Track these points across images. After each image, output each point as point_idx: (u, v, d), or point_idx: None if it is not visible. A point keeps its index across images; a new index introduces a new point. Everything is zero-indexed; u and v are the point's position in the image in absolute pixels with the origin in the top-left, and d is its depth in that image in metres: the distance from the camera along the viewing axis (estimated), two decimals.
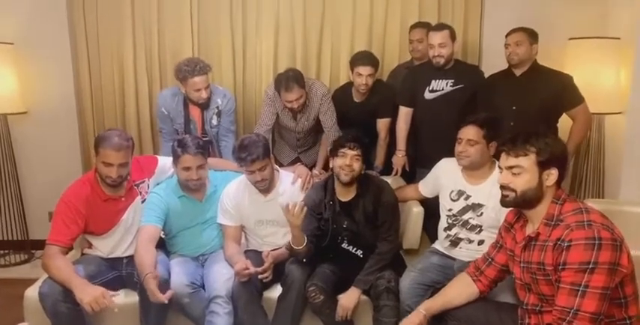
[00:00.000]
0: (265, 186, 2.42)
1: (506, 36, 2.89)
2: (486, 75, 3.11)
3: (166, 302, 2.09)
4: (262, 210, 2.49)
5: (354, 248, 2.41)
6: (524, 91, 2.84)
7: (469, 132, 2.30)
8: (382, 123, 3.21)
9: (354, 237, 2.40)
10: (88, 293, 2.01)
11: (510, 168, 1.71)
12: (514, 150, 1.70)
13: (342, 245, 2.42)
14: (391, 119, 3.19)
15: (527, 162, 1.68)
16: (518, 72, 2.90)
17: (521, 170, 1.68)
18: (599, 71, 3.11)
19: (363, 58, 3.07)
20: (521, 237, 1.77)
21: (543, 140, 1.68)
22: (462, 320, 1.90)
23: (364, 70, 3.02)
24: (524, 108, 2.83)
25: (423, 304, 1.98)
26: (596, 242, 1.53)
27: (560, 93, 2.84)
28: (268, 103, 3.13)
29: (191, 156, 2.35)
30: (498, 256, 1.92)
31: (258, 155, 2.31)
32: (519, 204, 1.74)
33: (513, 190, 1.70)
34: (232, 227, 2.50)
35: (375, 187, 2.39)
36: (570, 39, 3.23)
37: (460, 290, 1.97)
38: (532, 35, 2.84)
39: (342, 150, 2.33)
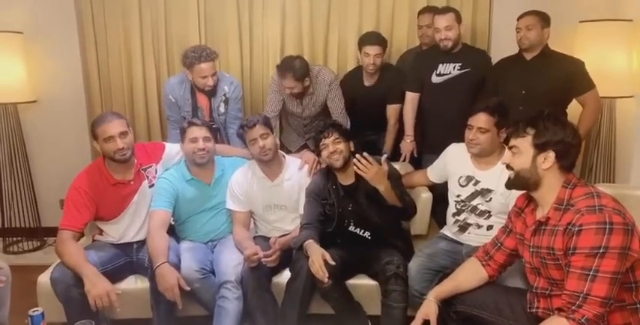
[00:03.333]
0: (269, 156, 2.43)
1: (518, 19, 2.84)
2: (496, 60, 3.07)
3: (180, 306, 2.14)
4: (270, 195, 2.51)
5: (362, 231, 2.42)
6: (534, 76, 2.81)
7: (480, 120, 2.28)
8: (392, 109, 3.19)
9: (360, 219, 2.41)
10: (96, 287, 2.05)
11: (511, 147, 1.75)
12: (515, 131, 1.74)
13: (350, 229, 2.43)
14: (401, 105, 3.17)
15: (524, 143, 1.70)
16: (528, 56, 2.87)
17: (518, 150, 1.72)
18: (611, 54, 3.04)
19: (371, 38, 3.07)
20: (532, 221, 1.76)
21: (545, 123, 1.67)
22: (471, 305, 1.90)
23: (372, 49, 3.03)
24: (533, 92, 2.79)
25: (431, 291, 1.97)
26: (607, 226, 1.52)
27: (571, 78, 2.80)
28: (274, 89, 3.12)
29: (197, 127, 2.43)
30: (507, 241, 1.91)
31: (258, 119, 2.41)
32: (517, 184, 1.77)
33: (512, 169, 1.74)
34: (241, 212, 2.53)
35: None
36: (581, 22, 3.17)
37: (469, 275, 1.97)
38: (544, 19, 2.79)
39: (321, 143, 2.36)
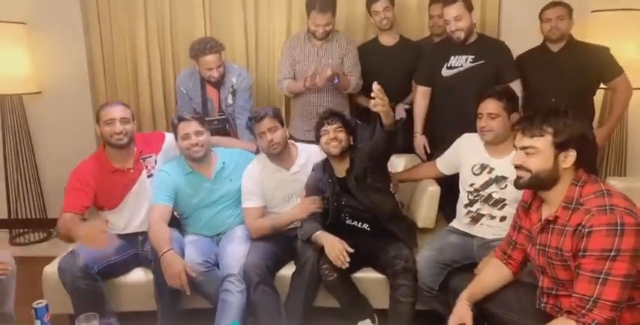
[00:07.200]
0: (277, 150, 2.41)
1: (544, 10, 2.82)
2: None
3: (188, 292, 2.14)
4: (290, 185, 2.49)
5: (359, 223, 2.40)
6: (564, 67, 2.79)
7: (488, 106, 2.26)
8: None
9: (355, 211, 2.38)
10: (84, 226, 2.13)
11: (524, 148, 1.64)
12: (530, 129, 1.62)
13: (347, 222, 2.41)
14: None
15: (543, 143, 1.60)
16: (555, 47, 2.84)
17: (536, 151, 1.61)
18: (623, 44, 3.02)
19: None
20: (537, 219, 1.72)
21: (562, 120, 1.58)
22: (498, 306, 1.84)
23: (378, 5, 3.02)
24: (564, 83, 2.76)
25: (463, 293, 1.87)
26: (619, 228, 1.47)
27: (599, 66, 2.80)
28: (286, 51, 3.11)
29: (186, 122, 2.39)
30: (520, 237, 1.85)
31: (267, 112, 2.39)
32: (533, 185, 1.68)
33: (528, 171, 1.64)
34: (259, 208, 2.47)
35: (360, 152, 2.36)
36: (593, 11, 3.12)
37: (493, 274, 1.90)
38: (569, 9, 2.80)
39: (322, 128, 2.34)
